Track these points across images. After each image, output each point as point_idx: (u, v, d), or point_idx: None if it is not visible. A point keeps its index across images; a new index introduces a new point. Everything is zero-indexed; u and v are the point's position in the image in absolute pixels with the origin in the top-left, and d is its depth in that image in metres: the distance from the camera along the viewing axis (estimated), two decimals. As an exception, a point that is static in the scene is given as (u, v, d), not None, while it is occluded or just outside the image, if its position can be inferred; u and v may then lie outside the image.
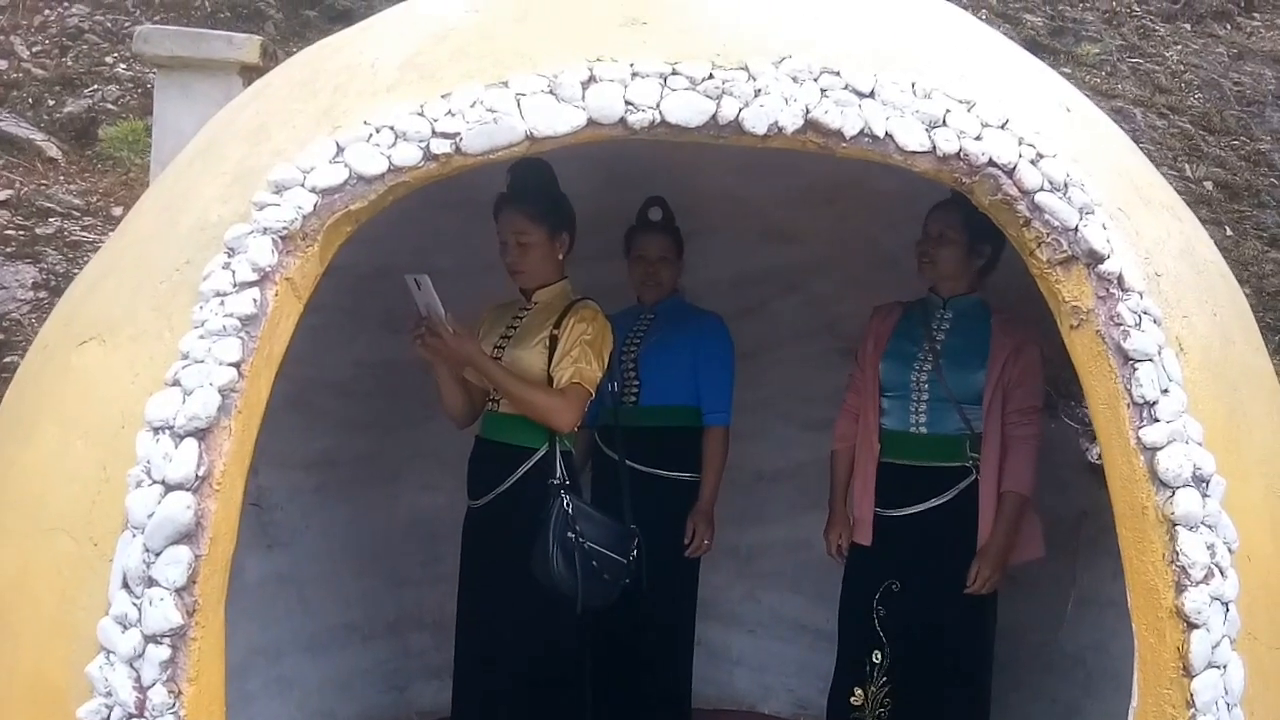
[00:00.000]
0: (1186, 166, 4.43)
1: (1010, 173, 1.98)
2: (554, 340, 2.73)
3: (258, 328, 1.88)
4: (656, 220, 3.28)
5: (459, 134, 1.95)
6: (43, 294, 4.18)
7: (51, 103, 4.92)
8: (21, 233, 4.43)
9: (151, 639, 1.77)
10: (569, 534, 2.63)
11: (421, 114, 1.97)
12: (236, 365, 1.85)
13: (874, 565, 2.83)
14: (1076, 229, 1.98)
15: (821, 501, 3.67)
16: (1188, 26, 5.11)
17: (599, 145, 3.33)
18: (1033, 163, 1.99)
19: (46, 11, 5.27)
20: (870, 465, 2.85)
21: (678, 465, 3.22)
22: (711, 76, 1.99)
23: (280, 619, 3.48)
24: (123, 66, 5.03)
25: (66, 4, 5.27)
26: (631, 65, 2.00)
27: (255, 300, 1.88)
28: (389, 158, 1.94)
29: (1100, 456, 3.38)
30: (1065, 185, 2.00)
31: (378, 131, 1.96)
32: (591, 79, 1.99)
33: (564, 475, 2.71)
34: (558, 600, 2.65)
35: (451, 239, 3.55)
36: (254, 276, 1.89)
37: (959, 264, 2.84)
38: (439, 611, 3.65)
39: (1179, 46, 4.94)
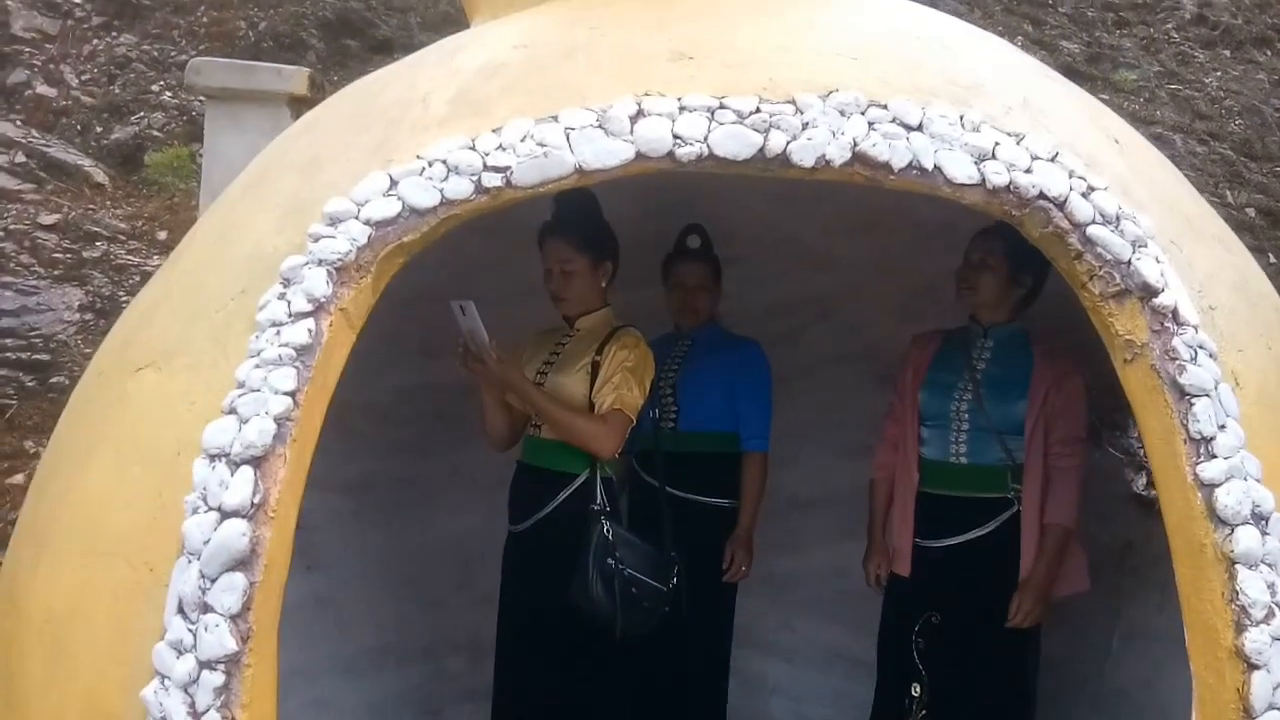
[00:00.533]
0: (1228, 193, 4.40)
1: (1061, 205, 1.98)
2: (596, 367, 2.75)
3: (312, 357, 1.90)
4: (695, 248, 3.30)
5: (510, 168, 1.97)
6: (89, 316, 4.25)
7: (99, 129, 5.03)
8: (69, 256, 4.52)
9: (206, 665, 1.79)
10: (609, 560, 2.63)
11: (473, 148, 2.00)
12: (292, 394, 1.88)
13: (913, 596, 2.81)
14: (1129, 262, 1.98)
15: (858, 529, 3.66)
16: (1227, 53, 5.09)
17: (642, 176, 3.43)
18: (1084, 195, 1.99)
19: (95, 41, 5.40)
20: (910, 495, 2.83)
21: (715, 491, 3.22)
22: (759, 110, 2.01)
23: (318, 641, 3.49)
24: (169, 94, 5.15)
25: (115, 34, 5.40)
26: (679, 100, 2.02)
27: (310, 330, 1.91)
28: (441, 191, 1.97)
29: (1146, 487, 3.37)
30: (1117, 218, 1.99)
31: (430, 165, 1.99)
32: (640, 113, 2.01)
33: (604, 501, 2.72)
34: (596, 628, 2.65)
35: (493, 264, 3.57)
36: (309, 307, 1.92)
37: (999, 292, 2.83)
38: (474, 634, 3.65)
39: (1218, 73, 4.91)
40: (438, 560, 3.79)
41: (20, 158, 4.72)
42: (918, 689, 2.73)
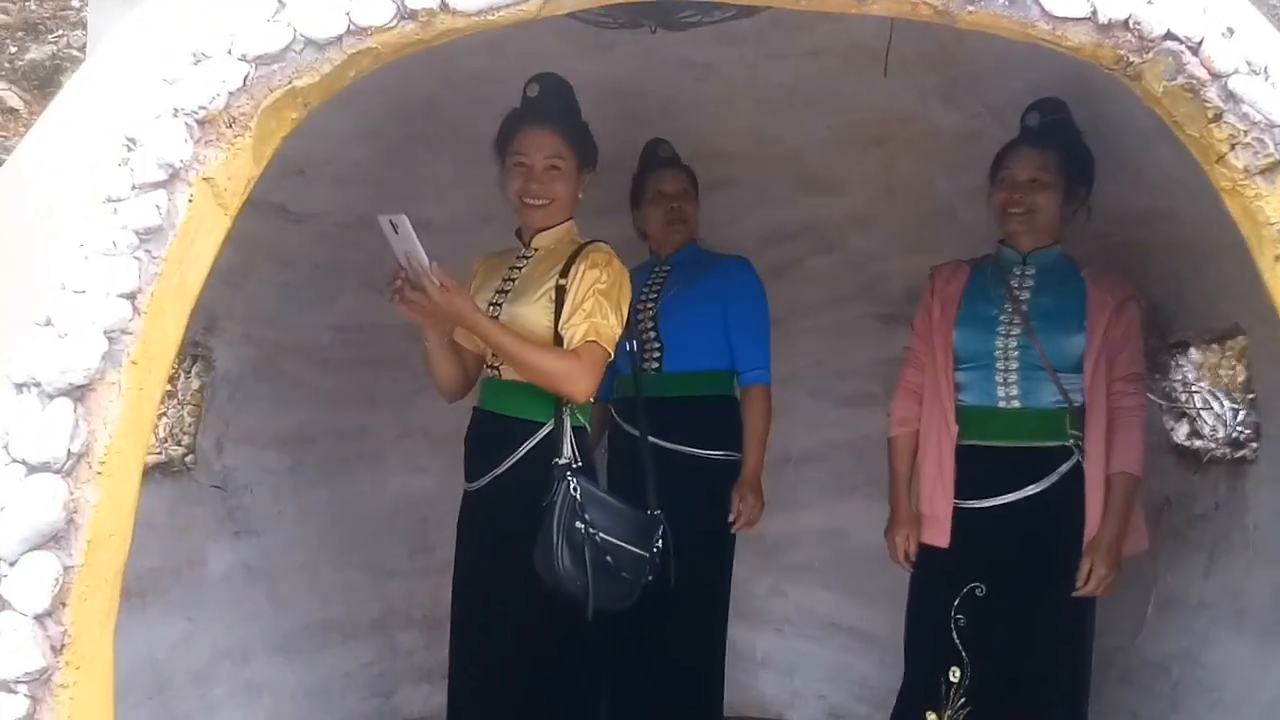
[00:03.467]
0: None
1: (1196, 49, 1.38)
2: (561, 292, 2.12)
3: (163, 245, 1.25)
4: (669, 156, 2.73)
5: (447, -17, 1.33)
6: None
7: (14, 49, 4.27)
8: (-26, 186, 3.81)
9: (2, 686, 1.16)
10: (577, 524, 2.05)
11: (396, -42, 1.35)
12: (130, 297, 1.23)
13: (952, 568, 2.23)
14: (1287, 125, 1.39)
15: (858, 485, 3.13)
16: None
17: (617, 76, 2.82)
18: (1224, 36, 1.39)
19: (11, -47, 4.64)
20: (947, 450, 2.25)
21: (711, 441, 2.62)
22: (790, -85, 1.38)
23: (249, 617, 2.90)
24: (89, 11, 4.39)
25: (34, -54, 4.63)
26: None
27: (160, 208, 1.26)
28: (349, 14, 1.32)
29: (1189, 437, 2.83)
30: (1266, 69, 1.40)
31: (335, -21, 1.33)
32: (628, -84, 1.38)
33: (574, 454, 2.12)
34: (565, 600, 2.08)
35: (446, 184, 2.96)
36: (160, 175, 1.26)
37: (1057, 211, 2.27)
38: (430, 607, 3.11)
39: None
40: (387, 524, 3.22)
41: (-75, 78, 4.00)
42: (957, 673, 2.18)
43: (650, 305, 2.68)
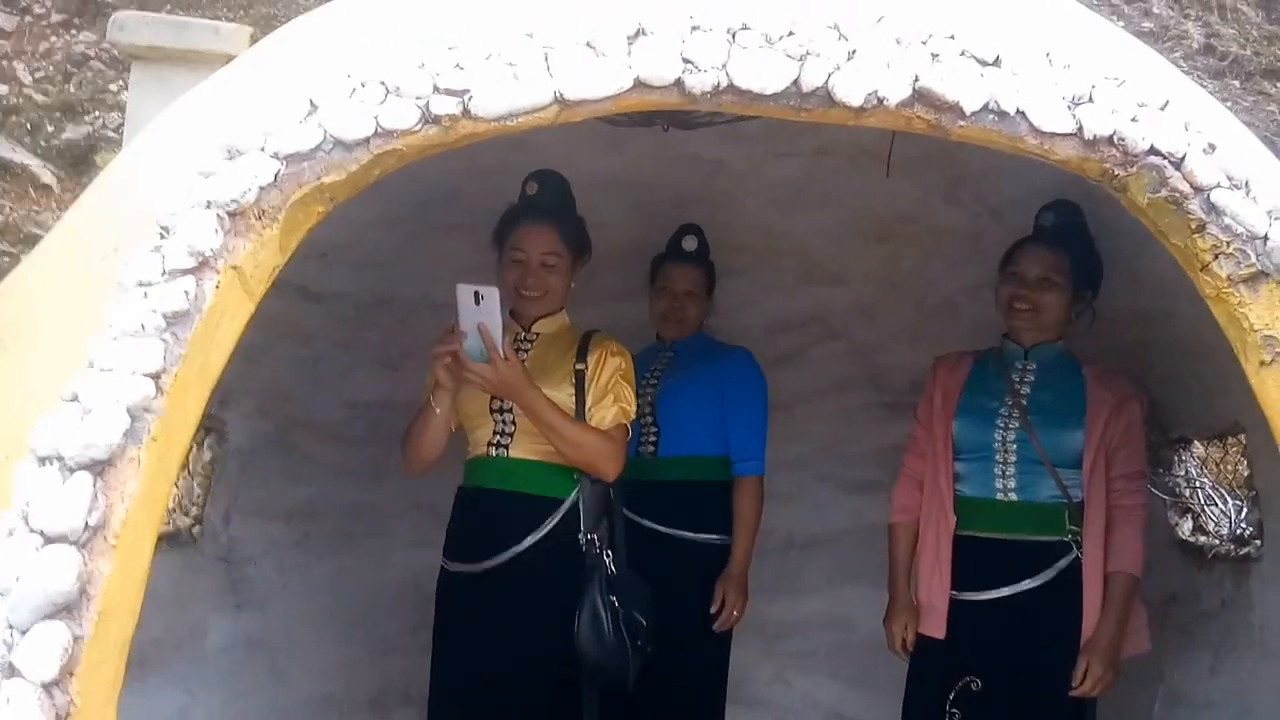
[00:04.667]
0: None
1: (1179, 164, 1.44)
2: (580, 376, 2.23)
3: (188, 329, 1.31)
4: (690, 250, 2.76)
5: (468, 91, 1.41)
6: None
7: (50, 129, 4.45)
8: (7, 259, 3.93)
9: (6, 755, 1.18)
10: (612, 598, 2.14)
11: (422, 66, 1.44)
12: (155, 377, 1.28)
13: (948, 660, 2.22)
14: (1266, 237, 1.44)
15: (862, 573, 3.10)
16: (1236, 84, 4.69)
17: (629, 171, 2.92)
18: (1205, 152, 1.46)
19: (53, 38, 4.84)
20: (945, 540, 2.25)
21: (704, 525, 2.63)
22: (793, 34, 1.47)
23: (247, 691, 2.88)
24: (126, 94, 4.57)
25: (74, 31, 4.84)
26: (691, 17, 1.48)
27: (189, 293, 1.32)
28: (376, 118, 1.40)
29: (1193, 533, 2.82)
30: (1247, 183, 1.46)
31: (363, 86, 1.41)
32: (640, 31, 1.46)
33: (592, 530, 2.19)
34: (605, 677, 2.18)
35: (461, 269, 3.02)
36: (190, 262, 1.33)
37: (1064, 312, 2.31)
38: (426, 684, 3.07)
39: (1228, 103, 4.49)
40: (390, 599, 3.20)
41: (-38, 156, 4.15)
42: None
43: (649, 390, 2.72)
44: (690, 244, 2.77)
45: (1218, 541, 2.62)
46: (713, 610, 2.57)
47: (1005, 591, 2.19)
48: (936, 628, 2.24)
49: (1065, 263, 2.27)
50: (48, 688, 1.18)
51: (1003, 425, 2.30)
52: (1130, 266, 2.31)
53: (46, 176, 4.31)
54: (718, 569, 2.61)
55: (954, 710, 2.19)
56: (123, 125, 4.40)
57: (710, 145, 2.71)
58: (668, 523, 2.60)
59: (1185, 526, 2.73)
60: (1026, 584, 2.19)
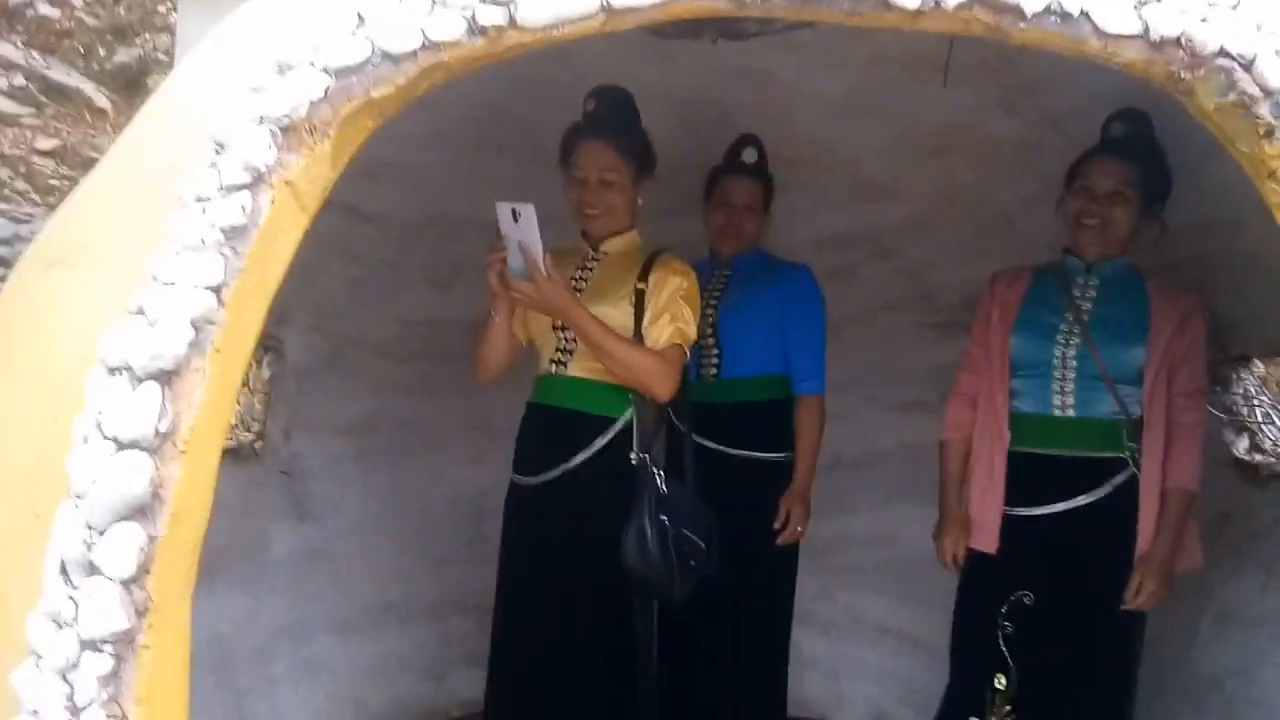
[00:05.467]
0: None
1: (1249, 66, 1.38)
2: (640, 295, 2.22)
3: (247, 243, 1.35)
4: (750, 163, 2.71)
5: (514, 1, 1.40)
6: (83, 243, 3.74)
7: (103, 53, 4.48)
8: (66, 182, 4.01)
9: (89, 645, 1.25)
10: (662, 516, 2.15)
11: (467, -25, 1.42)
12: (216, 290, 1.33)
13: (1000, 575, 2.23)
14: (1340, 142, 1.39)
15: (908, 491, 3.13)
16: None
17: (678, 85, 2.87)
18: (1278, 54, 1.39)
19: (102, -40, 4.86)
20: (999, 456, 2.25)
21: (769, 445, 2.65)
22: (847, -67, 1.42)
23: (310, 597, 3.02)
24: (175, 16, 4.57)
25: (121, -47, 4.84)
26: (741, -82, 1.44)
27: (245, 208, 1.35)
28: (423, 31, 1.40)
29: (1249, 451, 2.78)
30: (1322, 85, 1.40)
31: (410, -4, 1.42)
32: (688, -67, 1.43)
33: (646, 449, 2.21)
34: (649, 593, 2.19)
35: (509, 186, 3.01)
36: (246, 178, 1.36)
37: (1132, 226, 2.25)
38: (483, 595, 3.13)
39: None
40: (446, 512, 3.32)
41: (19, 80, 4.20)
42: (1003, 681, 2.17)
43: (710, 312, 2.70)
44: (750, 156, 2.71)
45: (1274, 460, 2.58)
46: (776, 525, 2.62)
47: (1060, 507, 2.19)
48: (989, 543, 2.25)
49: (1136, 175, 2.20)
50: (126, 584, 1.25)
51: (1063, 341, 2.26)
52: (1194, 176, 2.24)
53: (101, 100, 4.37)
54: (781, 486, 2.65)
55: (1006, 624, 2.21)
56: (172, 48, 4.42)
57: (760, 56, 2.64)
58: (734, 444, 2.63)
59: (1241, 445, 2.69)
60: (1082, 499, 2.18)
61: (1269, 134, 1.39)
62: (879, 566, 3.13)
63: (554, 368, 2.31)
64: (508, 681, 2.39)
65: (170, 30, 4.59)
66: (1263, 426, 2.70)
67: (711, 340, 2.70)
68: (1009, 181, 2.82)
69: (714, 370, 2.69)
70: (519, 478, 2.37)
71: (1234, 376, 2.71)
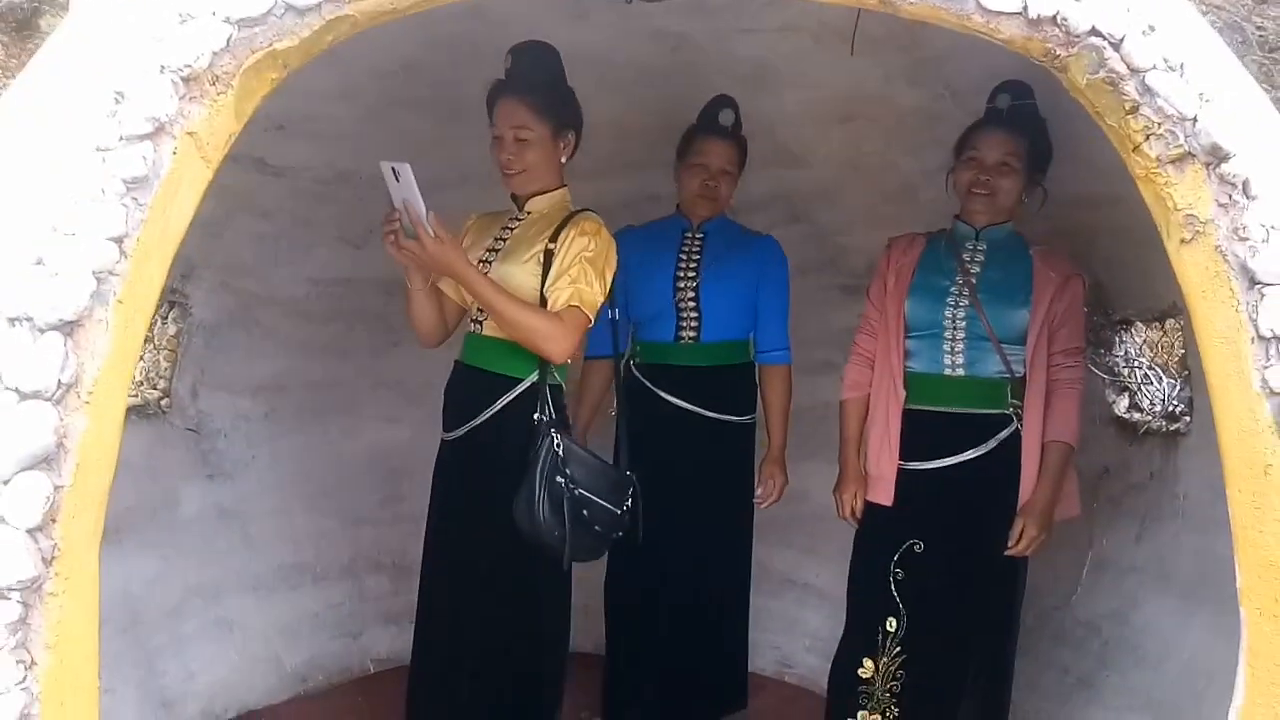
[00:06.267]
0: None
1: (1118, 45, 1.49)
2: (549, 255, 2.23)
3: (149, 193, 1.36)
4: (726, 125, 2.74)
5: (422, -44, 1.43)
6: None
7: (-9, -7, 4.26)
8: (-47, 128, 3.81)
9: (-4, 594, 1.28)
10: (558, 478, 2.17)
11: (374, -72, 1.44)
12: (118, 241, 1.34)
13: (894, 524, 2.38)
14: (1195, 119, 1.51)
15: (816, 450, 3.24)
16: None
17: (593, 44, 2.89)
18: (1144, 34, 1.51)
19: (-13, -109, 4.58)
20: (894, 414, 2.38)
21: (741, 408, 2.80)
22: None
23: (221, 556, 3.02)
24: (72, -45, 4.36)
25: (9, -118, 4.57)
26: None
27: (147, 158, 1.36)
28: (329, -18, 1.42)
29: (1128, 410, 2.98)
30: (1182, 65, 1.52)
31: (315, -52, 1.43)
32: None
33: (551, 411, 2.24)
34: (541, 551, 2.20)
35: (424, 143, 3.01)
36: (147, 128, 1.36)
37: (1018, 195, 2.39)
38: (399, 554, 3.23)
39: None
40: (360, 472, 3.33)
41: (-98, 20, 3.97)
42: (894, 623, 2.33)
43: (692, 275, 2.77)
44: (727, 118, 2.74)
45: (1150, 418, 2.78)
46: (760, 491, 2.79)
47: (949, 461, 2.34)
48: (884, 495, 2.39)
49: (1021, 146, 2.34)
50: (32, 533, 1.27)
51: (953, 303, 2.40)
52: (1079, 150, 2.38)
53: (-10, 43, 4.15)
54: (747, 446, 2.80)
55: (898, 570, 2.36)
56: (67, -10, 4.22)
57: (674, 19, 2.68)
58: (712, 406, 2.74)
59: (1121, 404, 2.90)
60: (969, 453, 2.33)
61: (1134, 110, 1.52)
62: (787, 521, 3.26)
63: (473, 326, 2.35)
64: (426, 636, 2.44)
65: (63, -30, 4.39)
66: (1141, 386, 2.91)
67: (694, 304, 2.77)
68: (913, 151, 2.93)
69: (693, 334, 2.77)
70: (443, 433, 2.41)
71: (1116, 340, 2.91)
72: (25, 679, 1.26)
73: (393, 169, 2.01)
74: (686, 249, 2.79)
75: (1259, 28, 4.32)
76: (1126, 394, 2.86)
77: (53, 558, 1.28)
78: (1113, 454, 2.84)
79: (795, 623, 3.29)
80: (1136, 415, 2.84)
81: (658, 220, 2.86)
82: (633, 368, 2.80)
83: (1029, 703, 2.79)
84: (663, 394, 2.74)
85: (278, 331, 3.09)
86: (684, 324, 2.76)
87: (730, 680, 2.91)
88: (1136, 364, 2.87)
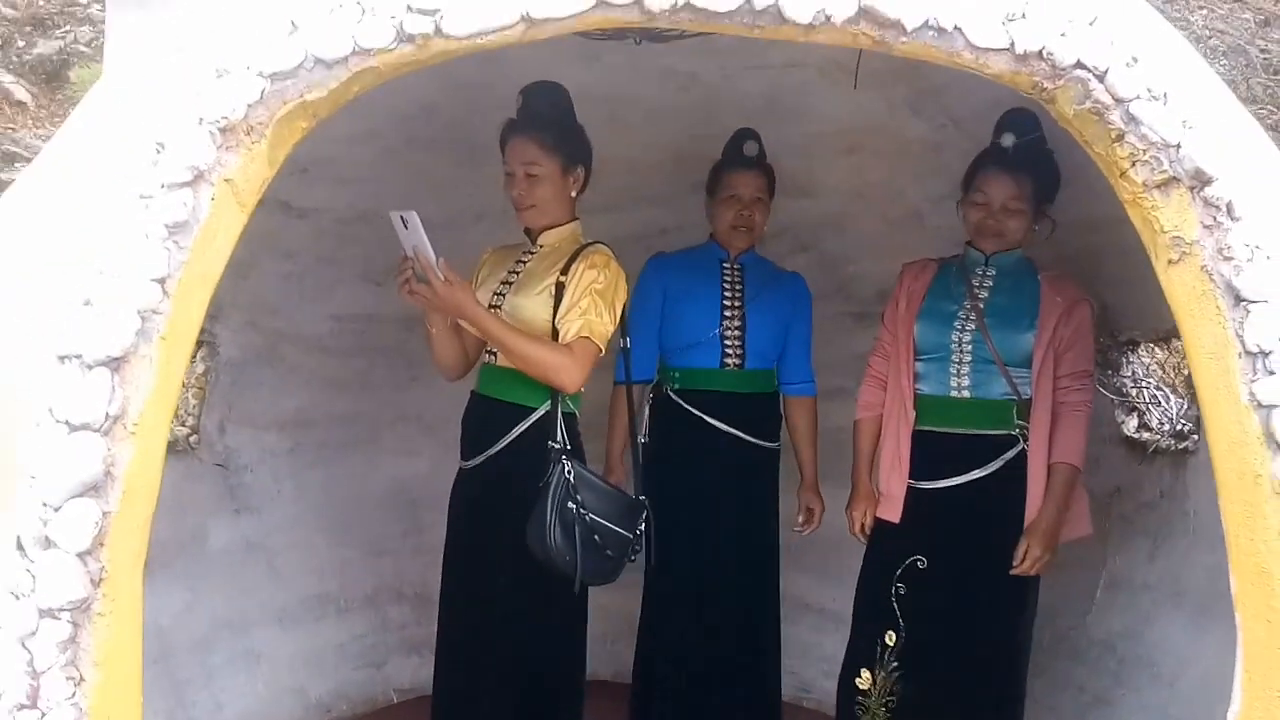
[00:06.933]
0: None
1: (1102, 77, 1.58)
2: (560, 288, 2.32)
3: (189, 237, 1.46)
4: (752, 156, 2.84)
5: (439, 10, 1.53)
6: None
7: (21, 44, 4.44)
8: (-14, 176, 4.00)
9: (48, 613, 1.36)
10: (569, 504, 2.25)
11: (396, -14, 1.55)
12: (161, 282, 1.44)
13: (900, 541, 2.45)
14: (1179, 145, 1.59)
15: (830, 474, 3.30)
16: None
17: (604, 84, 3.01)
18: (1128, 66, 1.60)
19: (19, -51, 4.81)
20: (904, 434, 2.46)
21: (773, 434, 2.92)
22: (746, -47, 1.58)
23: (248, 589, 3.10)
24: (96, 7, 4.55)
25: (39, -57, 4.80)
26: (650, -63, 1.59)
27: (187, 204, 1.47)
28: (354, 38, 1.53)
29: (1138, 430, 3.03)
30: (1165, 95, 1.60)
31: (340, 6, 1.53)
32: (602, -48, 1.58)
33: (565, 438, 2.32)
34: (554, 576, 2.27)
35: (442, 183, 3.16)
36: (187, 176, 1.47)
37: (1028, 229, 2.48)
38: (420, 584, 3.30)
39: (1204, 11, 4.56)
40: (382, 505, 3.42)
41: (-66, 73, 4.16)
42: (893, 637, 2.39)
43: (739, 305, 2.88)
44: (751, 149, 2.84)
45: (1159, 437, 2.83)
46: (800, 519, 2.92)
47: (957, 480, 2.40)
48: (893, 513, 2.46)
49: (1027, 188, 2.41)
50: (82, 556, 1.36)
51: (959, 327, 2.47)
52: (1083, 173, 2.43)
53: (20, 93, 4.33)
54: (775, 472, 2.91)
55: (900, 585, 2.42)
56: (94, 40, 4.41)
57: (683, 59, 2.80)
58: (753, 432, 2.86)
59: (1131, 424, 2.96)
60: (975, 474, 2.40)
61: (1119, 138, 1.60)
62: (802, 545, 3.32)
63: (488, 358, 2.44)
64: (446, 662, 2.51)
65: (91, 21, 4.57)
66: (1149, 406, 2.97)
67: (739, 332, 2.87)
68: (918, 179, 3.02)
69: (738, 361, 2.87)
70: (461, 461, 2.49)
71: (1124, 361, 2.97)
72: (74, 694, 1.35)
73: (401, 217, 2.11)
74: (729, 279, 2.90)
75: (1263, 51, 4.40)
76: (1135, 414, 2.92)
77: (100, 579, 1.37)
78: (1124, 474, 2.89)
79: (812, 647, 3.33)
80: (1146, 435, 2.90)
81: (691, 249, 2.96)
82: (669, 394, 2.88)
83: (1046, 722, 2.83)
84: (708, 418, 2.82)
85: (302, 368, 3.19)
86: (729, 351, 2.87)
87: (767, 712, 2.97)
88: (1144, 384, 2.93)
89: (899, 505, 2.44)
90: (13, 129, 4.21)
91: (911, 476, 2.45)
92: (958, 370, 2.45)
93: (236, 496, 3.12)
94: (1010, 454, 2.40)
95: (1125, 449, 2.92)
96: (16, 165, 4.06)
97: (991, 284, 2.53)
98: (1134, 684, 2.71)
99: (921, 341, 2.50)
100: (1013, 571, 2.38)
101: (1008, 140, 2.44)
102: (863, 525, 2.55)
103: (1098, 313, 2.67)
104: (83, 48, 4.57)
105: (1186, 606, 2.58)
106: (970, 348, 2.45)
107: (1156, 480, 2.78)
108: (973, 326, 2.46)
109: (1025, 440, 2.41)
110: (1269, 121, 4.20)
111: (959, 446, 2.43)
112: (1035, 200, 2.45)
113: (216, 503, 3.04)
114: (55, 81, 4.57)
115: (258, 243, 2.82)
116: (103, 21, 4.57)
